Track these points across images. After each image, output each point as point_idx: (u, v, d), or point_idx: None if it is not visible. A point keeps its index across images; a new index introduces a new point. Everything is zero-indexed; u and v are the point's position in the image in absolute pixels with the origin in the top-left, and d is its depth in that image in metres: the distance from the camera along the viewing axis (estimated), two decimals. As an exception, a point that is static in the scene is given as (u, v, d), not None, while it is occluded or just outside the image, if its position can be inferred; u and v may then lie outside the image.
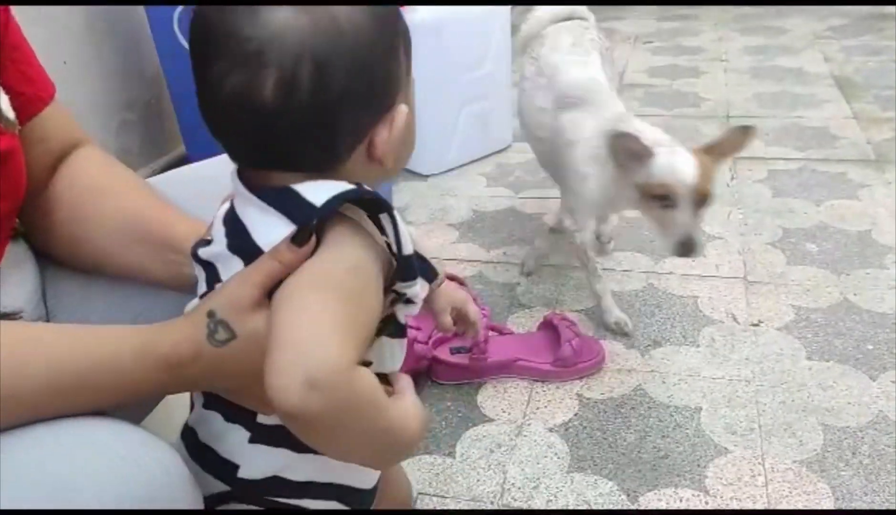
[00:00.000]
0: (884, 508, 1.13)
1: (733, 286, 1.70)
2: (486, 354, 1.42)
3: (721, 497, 1.16)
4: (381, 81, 0.60)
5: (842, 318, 1.56)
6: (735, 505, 1.15)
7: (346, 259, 0.57)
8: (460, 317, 0.88)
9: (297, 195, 0.58)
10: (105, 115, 1.86)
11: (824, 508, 1.13)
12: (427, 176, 2.31)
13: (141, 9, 1.80)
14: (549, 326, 1.49)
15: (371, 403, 0.53)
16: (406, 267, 0.61)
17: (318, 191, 0.57)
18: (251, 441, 0.65)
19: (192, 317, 0.60)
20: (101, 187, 0.83)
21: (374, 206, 0.59)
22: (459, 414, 1.37)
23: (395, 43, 0.60)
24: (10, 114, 0.73)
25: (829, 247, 1.82)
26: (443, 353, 1.44)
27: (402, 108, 0.62)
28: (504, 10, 2.34)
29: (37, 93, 0.79)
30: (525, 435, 1.31)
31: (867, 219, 1.94)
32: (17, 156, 0.74)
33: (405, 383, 0.64)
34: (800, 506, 1.14)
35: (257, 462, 0.66)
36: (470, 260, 1.86)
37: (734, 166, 2.26)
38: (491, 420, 1.35)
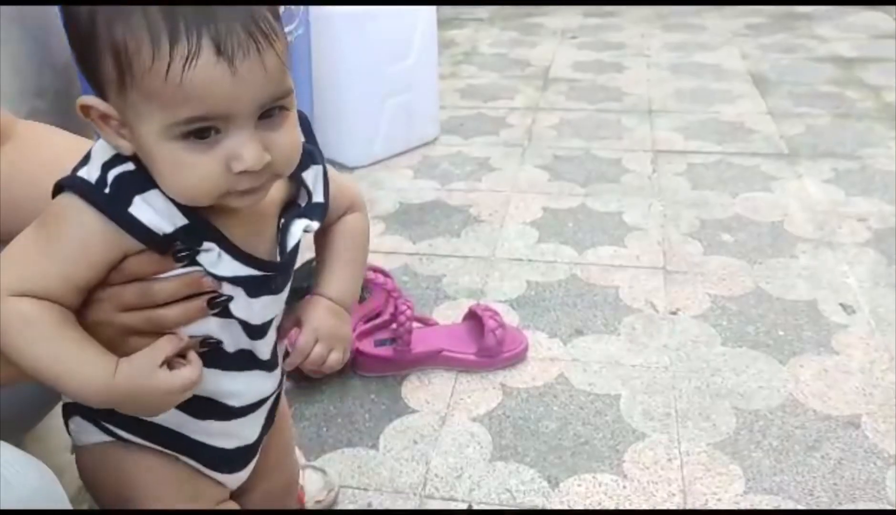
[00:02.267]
0: (793, 485, 1.18)
1: (653, 276, 1.74)
2: (409, 346, 1.41)
3: (638, 481, 1.19)
4: (89, 65, 0.59)
5: (754, 306, 1.62)
6: (651, 489, 1.18)
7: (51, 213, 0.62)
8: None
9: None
10: (15, 104, 1.78)
11: (736, 488, 1.17)
12: (353, 168, 2.29)
13: (51, -7, 1.73)
14: (473, 316, 1.50)
15: (9, 332, 0.60)
16: (159, 244, 0.63)
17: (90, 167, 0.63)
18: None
19: None
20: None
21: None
22: (383, 407, 1.37)
23: (94, 44, 0.58)
24: None
25: (743, 238, 1.88)
26: (367, 346, 1.43)
27: (111, 114, 0.60)
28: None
29: None
30: (449, 426, 1.31)
31: (779, 210, 2.01)
32: None
33: (189, 370, 0.65)
34: (713, 488, 1.18)
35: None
36: (396, 253, 1.86)
37: (655, 159, 2.32)
38: (415, 411, 1.35)
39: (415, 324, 1.45)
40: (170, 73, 0.55)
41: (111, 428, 0.73)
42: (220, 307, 0.67)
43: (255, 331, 0.71)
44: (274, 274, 0.69)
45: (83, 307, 0.64)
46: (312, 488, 1.15)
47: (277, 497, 0.91)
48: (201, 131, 0.58)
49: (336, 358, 0.75)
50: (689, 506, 1.14)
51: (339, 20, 2.13)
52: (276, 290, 0.70)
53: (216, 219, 0.64)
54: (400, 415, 1.34)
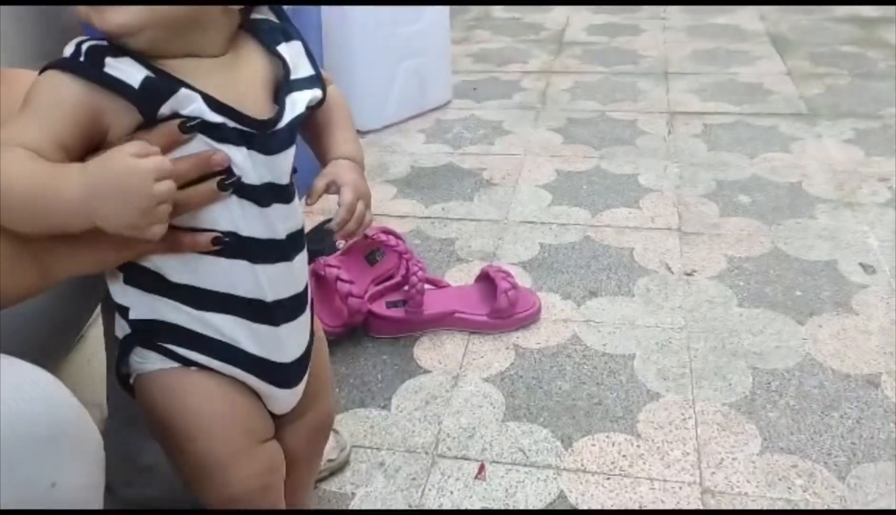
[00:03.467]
0: (810, 444, 1.16)
1: (668, 237, 1.71)
2: (421, 307, 1.40)
3: (652, 441, 1.18)
4: None
5: (772, 266, 1.59)
6: (665, 448, 1.17)
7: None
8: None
9: None
10: (21, 66, 1.77)
11: (752, 447, 1.16)
12: (365, 132, 2.27)
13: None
14: (485, 278, 1.48)
15: None
16: (138, 97, 0.64)
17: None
18: (125, 281, 0.73)
19: None
20: None
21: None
22: (395, 367, 1.36)
23: None
24: None
25: (761, 199, 1.85)
26: (378, 307, 1.42)
27: None
28: (441, -37, 2.30)
29: None
30: (461, 386, 1.31)
31: (798, 171, 1.97)
32: None
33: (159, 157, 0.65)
34: (728, 447, 1.16)
35: (137, 303, 0.73)
36: (408, 216, 1.84)
37: (671, 121, 2.28)
38: (427, 372, 1.35)
39: (427, 286, 1.43)
40: None
41: (173, 348, 0.74)
42: (230, 188, 0.68)
43: (265, 197, 0.72)
44: (268, 132, 0.70)
45: None
46: (325, 448, 1.14)
47: (317, 430, 0.92)
48: None
49: (369, 215, 0.80)
50: (703, 466, 1.13)
51: (349, -19, 2.10)
52: (276, 149, 0.72)
53: (185, 77, 0.66)
54: (412, 376, 1.34)
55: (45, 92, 0.64)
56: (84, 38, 0.66)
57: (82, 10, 0.64)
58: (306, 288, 0.80)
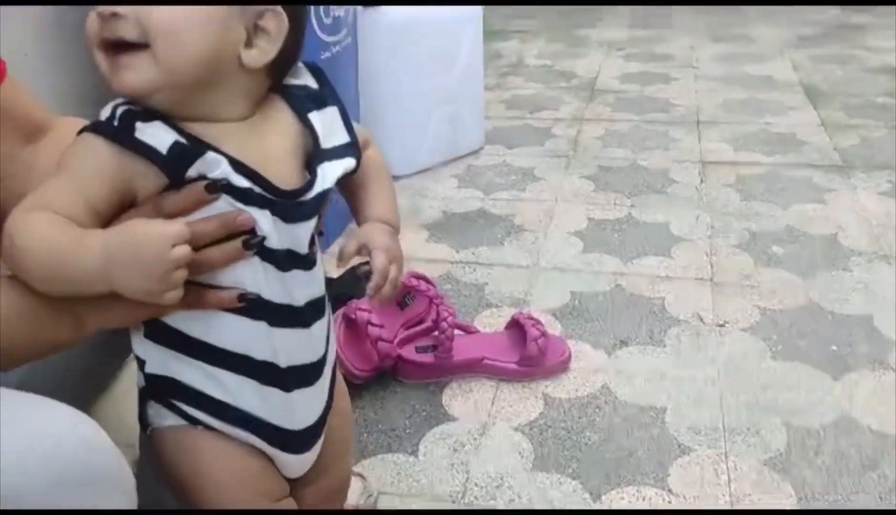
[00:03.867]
0: (846, 505, 1.13)
1: (700, 287, 1.70)
2: (451, 353, 1.40)
3: (684, 497, 1.16)
4: None
5: (806, 320, 1.57)
6: (698, 505, 1.14)
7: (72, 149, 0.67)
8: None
9: None
10: (67, 110, 1.82)
11: (788, 508, 1.13)
12: (398, 177, 2.29)
13: None
14: (515, 325, 1.48)
15: (17, 236, 0.63)
16: (166, 161, 0.66)
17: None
18: (145, 335, 0.74)
19: None
20: None
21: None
22: (423, 414, 1.36)
23: None
24: None
25: (795, 250, 1.83)
26: (408, 352, 1.42)
27: None
28: (477, 12, 2.34)
29: None
30: (489, 435, 1.30)
31: (833, 223, 1.95)
32: None
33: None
34: (762, 506, 1.14)
35: (153, 357, 0.74)
36: (439, 261, 1.85)
37: (703, 170, 2.28)
38: (455, 419, 1.34)
39: (456, 332, 1.44)
40: None
41: (183, 407, 0.74)
42: (255, 247, 0.69)
43: (285, 262, 0.72)
44: (292, 201, 0.71)
45: None
46: (352, 493, 1.14)
47: (330, 495, 0.91)
48: None
49: (400, 278, 0.80)
50: (736, 523, 1.11)
51: (387, 31, 2.14)
52: (299, 218, 0.72)
53: (212, 141, 0.68)
54: (440, 423, 1.33)
55: (81, 156, 0.66)
56: (120, 100, 0.68)
57: (104, 73, 0.66)
58: (325, 356, 0.80)
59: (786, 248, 1.85)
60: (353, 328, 1.40)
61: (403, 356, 1.41)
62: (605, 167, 2.34)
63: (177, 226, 0.63)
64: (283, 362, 0.75)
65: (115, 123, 0.66)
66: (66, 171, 0.66)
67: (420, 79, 2.23)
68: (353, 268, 1.65)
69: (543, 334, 1.43)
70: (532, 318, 1.47)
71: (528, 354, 1.40)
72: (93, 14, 0.66)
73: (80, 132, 0.67)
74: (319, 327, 0.78)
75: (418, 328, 1.47)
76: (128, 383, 1.08)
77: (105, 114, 0.67)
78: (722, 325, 1.56)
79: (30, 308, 0.64)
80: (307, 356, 0.78)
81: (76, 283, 0.64)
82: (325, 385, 0.82)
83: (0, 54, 0.82)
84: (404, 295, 1.53)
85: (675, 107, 2.82)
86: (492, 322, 1.60)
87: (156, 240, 0.62)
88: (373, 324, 1.38)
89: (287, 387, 0.76)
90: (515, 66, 3.40)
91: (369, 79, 2.14)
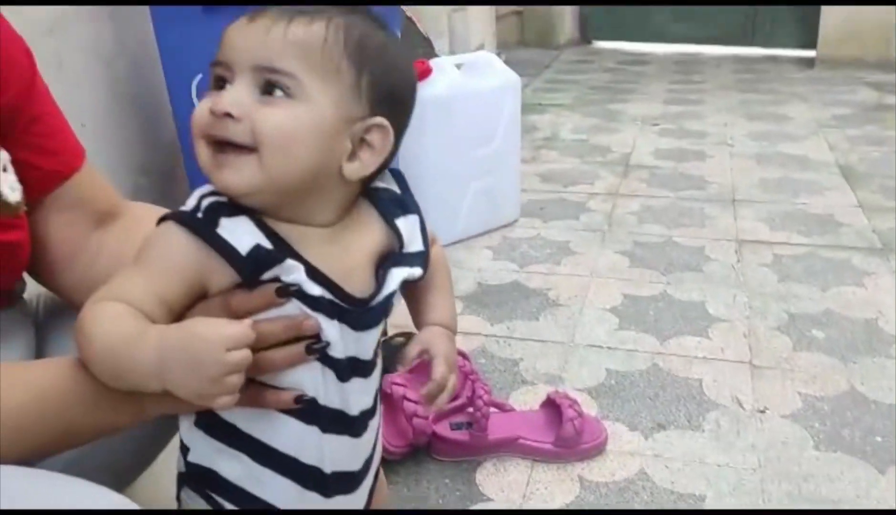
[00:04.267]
0: None
1: (738, 370, 1.68)
2: (486, 431, 1.39)
3: (726, 591, 1.13)
4: None
5: (849, 408, 1.54)
6: (740, 600, 1.11)
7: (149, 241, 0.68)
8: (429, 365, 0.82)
9: None
10: (120, 178, 1.88)
11: None
12: (433, 247, 2.31)
13: (161, 76, 1.84)
14: (551, 404, 1.47)
15: (86, 323, 0.64)
16: (243, 264, 0.66)
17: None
18: (195, 423, 0.73)
19: None
20: None
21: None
22: (458, 493, 1.34)
23: None
24: (14, 195, 0.74)
25: (835, 335, 1.81)
26: (442, 429, 1.41)
27: None
28: (515, 87, 2.38)
29: (55, 168, 0.80)
30: (524, 517, 1.28)
31: (873, 307, 1.93)
32: (18, 248, 0.75)
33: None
34: (807, 604, 1.10)
35: (198, 446, 0.73)
36: (474, 334, 1.85)
37: (739, 249, 2.27)
38: (489, 499, 1.32)
39: (491, 409, 1.43)
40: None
41: (218, 499, 0.74)
42: (319, 352, 0.69)
43: (346, 370, 0.72)
44: (363, 309, 0.71)
45: None
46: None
47: None
48: (219, 79, 0.66)
49: (455, 386, 0.79)
50: None
51: (428, 104, 2.19)
52: (367, 326, 0.72)
53: (295, 244, 0.67)
54: (474, 502, 1.31)
55: (159, 247, 0.66)
56: (205, 190, 0.68)
57: (204, 167, 0.66)
58: (367, 464, 0.80)
59: (825, 332, 1.82)
60: (388, 402, 1.40)
61: (438, 433, 1.40)
62: (640, 243, 2.34)
63: (236, 329, 0.61)
64: (329, 468, 0.74)
65: (199, 215, 0.66)
66: (143, 262, 0.66)
67: (460, 151, 2.27)
68: (388, 340, 1.66)
69: (580, 414, 1.41)
70: (568, 398, 1.45)
71: (564, 435, 1.39)
72: (204, 107, 0.65)
73: (163, 220, 0.67)
74: (368, 438, 0.78)
75: (453, 404, 1.46)
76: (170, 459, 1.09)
77: (191, 203, 0.67)
78: (762, 411, 1.53)
79: (92, 393, 0.64)
80: (352, 464, 0.77)
81: (132, 379, 0.63)
82: (365, 493, 0.81)
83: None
84: (440, 370, 1.52)
85: (710, 184, 2.83)
86: (526, 399, 1.59)
87: (212, 342, 0.61)
88: (408, 400, 1.37)
89: (327, 493, 0.75)
90: (550, 139, 3.44)
91: (409, 151, 2.17)
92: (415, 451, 1.41)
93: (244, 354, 0.62)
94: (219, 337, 0.61)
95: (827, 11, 4.63)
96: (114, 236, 0.85)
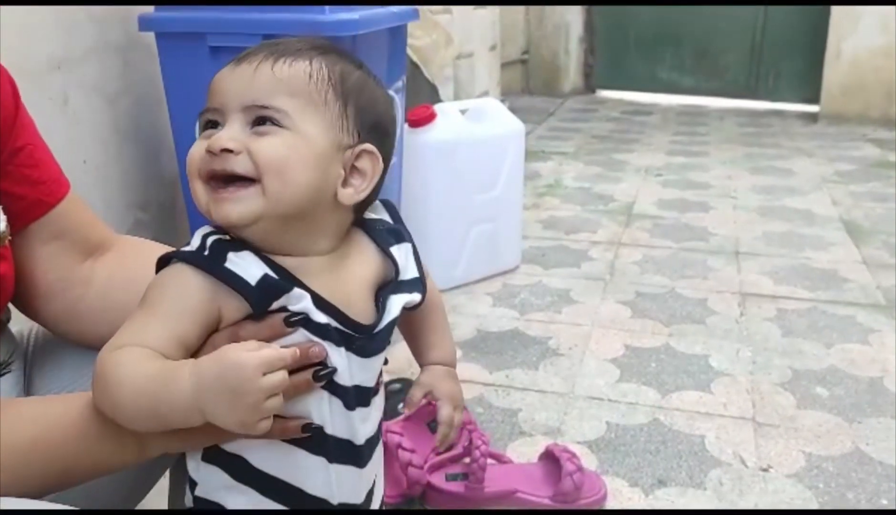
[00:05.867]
0: None
1: (741, 427, 1.64)
2: (482, 483, 1.35)
3: None
4: None
5: (854, 469, 1.50)
6: None
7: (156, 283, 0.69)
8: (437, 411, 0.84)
9: None
10: (120, 213, 1.87)
11: None
12: (433, 292, 2.29)
13: (165, 113, 1.84)
14: (550, 457, 1.43)
15: (108, 373, 0.63)
16: (254, 294, 0.67)
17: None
18: (203, 458, 0.72)
19: None
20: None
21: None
22: (451, 547, 1.30)
23: None
24: None
25: (839, 393, 1.78)
26: (438, 479, 1.38)
27: None
28: (519, 134, 2.39)
29: (39, 198, 0.80)
30: (519, 575, 1.24)
31: (878, 365, 1.90)
32: (3, 278, 0.75)
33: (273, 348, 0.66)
34: None
35: (206, 481, 0.73)
36: (472, 382, 1.82)
37: (743, 302, 2.25)
38: (484, 555, 1.28)
39: (489, 461, 1.39)
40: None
41: None
42: (325, 379, 0.69)
43: (353, 399, 0.72)
44: (368, 336, 0.72)
45: None
46: None
47: None
48: (210, 123, 0.69)
49: (461, 421, 0.82)
50: None
51: (432, 149, 2.19)
52: (373, 352, 0.73)
53: (297, 274, 0.69)
54: (468, 558, 1.27)
55: (173, 289, 0.67)
56: (207, 230, 0.69)
57: (202, 204, 0.68)
58: (369, 498, 0.79)
59: (830, 390, 1.79)
60: (382, 450, 1.36)
61: (433, 484, 1.36)
62: (642, 293, 2.32)
63: (269, 352, 0.62)
64: (336, 499, 0.74)
65: (206, 253, 0.67)
66: (156, 306, 0.66)
67: (463, 196, 2.27)
68: (385, 386, 1.63)
69: (579, 469, 1.38)
70: (567, 451, 1.42)
71: (563, 490, 1.35)
72: (199, 147, 0.67)
73: (167, 261, 0.68)
74: (371, 467, 0.77)
75: (449, 454, 1.43)
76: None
77: (195, 243, 0.68)
78: (765, 469, 1.50)
79: (95, 432, 0.64)
80: (356, 495, 0.76)
81: (173, 418, 0.63)
82: None
83: (64, 165, 0.84)
84: (436, 418, 1.49)
85: (714, 235, 2.82)
86: (525, 451, 1.56)
87: (247, 367, 0.61)
88: (404, 449, 1.34)
89: None
90: (553, 186, 3.44)
91: (412, 195, 2.17)
92: (409, 502, 1.37)
93: (281, 376, 0.63)
94: (253, 363, 0.61)
95: (830, 66, 4.67)
96: (105, 268, 0.84)
